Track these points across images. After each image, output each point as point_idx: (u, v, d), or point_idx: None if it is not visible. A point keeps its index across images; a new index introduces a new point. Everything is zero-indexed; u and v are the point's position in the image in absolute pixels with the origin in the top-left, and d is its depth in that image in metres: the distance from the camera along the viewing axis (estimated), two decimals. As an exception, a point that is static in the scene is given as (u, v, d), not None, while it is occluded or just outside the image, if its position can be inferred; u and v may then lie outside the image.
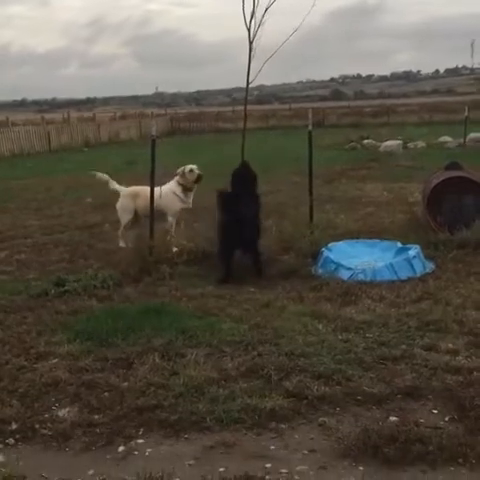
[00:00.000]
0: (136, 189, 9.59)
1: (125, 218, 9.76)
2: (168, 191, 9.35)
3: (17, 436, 4.38)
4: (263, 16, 8.69)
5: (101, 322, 6.21)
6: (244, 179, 8.18)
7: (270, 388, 4.84)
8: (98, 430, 4.39)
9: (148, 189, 8.77)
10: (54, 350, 5.76)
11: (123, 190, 9.91)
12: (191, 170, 9.38)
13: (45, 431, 4.42)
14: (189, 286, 7.58)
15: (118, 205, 9.90)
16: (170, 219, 9.35)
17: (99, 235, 10.93)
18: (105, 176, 10.08)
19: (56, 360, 5.57)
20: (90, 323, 6.26)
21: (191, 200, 9.50)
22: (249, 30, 8.82)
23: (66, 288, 7.52)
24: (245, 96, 9.69)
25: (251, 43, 8.86)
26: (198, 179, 9.38)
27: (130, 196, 9.70)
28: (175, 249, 8.80)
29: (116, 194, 9.99)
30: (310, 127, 9.37)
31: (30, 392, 4.99)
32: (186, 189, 9.39)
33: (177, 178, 9.41)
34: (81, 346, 5.80)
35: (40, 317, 6.72)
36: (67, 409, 4.72)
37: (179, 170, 9.44)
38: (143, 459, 4.07)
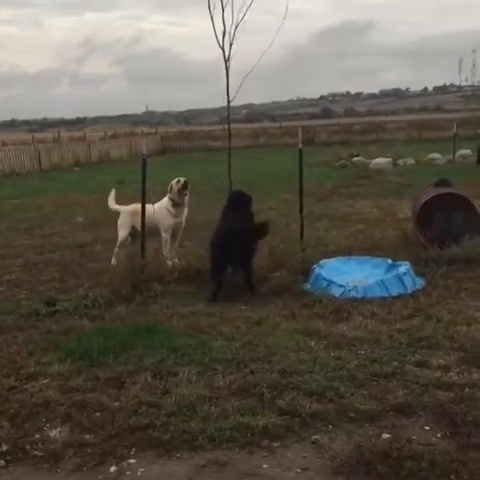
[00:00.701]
0: (135, 207, 9.61)
1: (122, 235, 9.82)
2: (161, 207, 9.41)
3: (8, 457, 4.34)
4: (234, 34, 8.81)
5: (92, 341, 6.18)
6: (239, 199, 8.29)
7: (262, 406, 4.83)
8: (89, 450, 4.37)
9: (148, 206, 8.83)
10: (45, 370, 5.72)
11: (123, 208, 9.98)
12: (178, 181, 9.43)
13: (36, 452, 4.39)
14: (180, 304, 7.57)
15: (119, 222, 10.02)
16: (164, 235, 9.40)
17: (90, 254, 10.91)
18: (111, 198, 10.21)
19: (47, 380, 5.53)
20: (81, 343, 6.23)
21: (184, 216, 9.54)
22: (223, 49, 8.93)
23: (57, 308, 7.49)
24: (227, 114, 9.80)
25: (227, 61, 8.97)
26: (185, 185, 9.40)
27: (129, 213, 9.77)
28: (170, 263, 8.87)
29: (114, 213, 10.12)
30: (300, 145, 9.43)
31: (21, 413, 4.95)
32: (176, 204, 9.41)
33: (168, 194, 9.47)
34: (72, 366, 5.76)
35: (31, 337, 6.68)
36: (58, 429, 4.69)
37: (168, 186, 9.50)
38: (135, 479, 4.05)
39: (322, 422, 4.58)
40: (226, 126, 10.09)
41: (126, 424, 4.66)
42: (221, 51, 8.96)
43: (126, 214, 9.86)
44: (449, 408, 4.69)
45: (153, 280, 8.19)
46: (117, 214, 10.05)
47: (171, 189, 9.46)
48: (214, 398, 5.00)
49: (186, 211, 9.60)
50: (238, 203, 8.30)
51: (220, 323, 6.85)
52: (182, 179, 9.46)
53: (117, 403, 5.04)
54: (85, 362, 5.82)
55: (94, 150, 39.91)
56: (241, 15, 8.79)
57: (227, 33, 8.87)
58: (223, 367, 5.59)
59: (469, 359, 5.59)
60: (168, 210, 9.42)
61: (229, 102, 9.20)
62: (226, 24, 8.84)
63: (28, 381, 5.55)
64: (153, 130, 56.48)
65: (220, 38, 8.92)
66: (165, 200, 9.51)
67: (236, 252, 7.81)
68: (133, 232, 9.73)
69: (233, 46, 8.89)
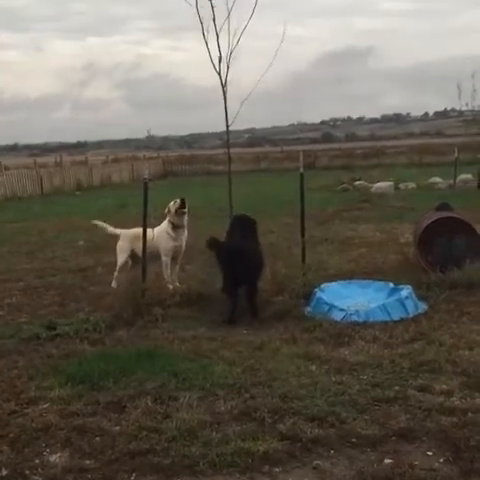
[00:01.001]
0: (135, 231, 9.63)
1: (122, 259, 9.86)
2: (161, 231, 9.43)
3: (7, 482, 4.32)
4: (229, 59, 8.89)
5: (93, 366, 6.16)
6: (243, 223, 8.36)
7: (263, 431, 4.80)
8: (90, 475, 4.34)
9: (147, 231, 8.85)
10: (45, 394, 5.70)
11: (123, 232, 10.01)
12: (175, 202, 9.45)
13: (36, 477, 4.36)
14: (182, 328, 7.55)
15: (117, 246, 10.06)
16: (164, 258, 9.41)
17: (91, 278, 10.91)
18: (103, 224, 10.26)
19: (47, 405, 5.51)
20: (82, 367, 6.21)
21: (184, 239, 9.54)
22: (220, 74, 9.00)
23: (58, 332, 7.48)
24: (227, 139, 9.86)
25: (224, 87, 9.04)
26: (182, 204, 9.41)
27: (129, 238, 9.78)
28: (171, 287, 8.89)
29: (114, 237, 10.20)
30: (301, 169, 9.46)
31: (21, 437, 4.93)
32: (175, 227, 9.43)
33: (168, 217, 9.49)
34: (72, 390, 5.74)
35: (31, 361, 6.67)
36: (58, 454, 4.66)
37: (166, 210, 9.52)
38: (135, 505, 4.02)
39: (324, 447, 4.55)
40: (227, 150, 10.11)
41: (126, 449, 4.63)
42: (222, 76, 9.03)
43: (126, 238, 9.89)
44: (452, 433, 4.66)
45: (154, 304, 8.18)
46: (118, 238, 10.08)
47: (169, 211, 9.48)
48: (215, 423, 4.97)
49: (186, 234, 9.60)
50: (242, 226, 8.35)
51: (221, 347, 6.83)
52: (178, 199, 9.47)
53: (117, 428, 5.01)
54: (86, 386, 5.79)
55: (96, 174, 40.03)
56: (237, 39, 8.85)
57: (223, 58, 8.94)
58: (224, 392, 5.57)
59: (472, 384, 5.56)
60: (168, 233, 9.43)
61: (228, 126, 9.27)
62: (222, 49, 8.92)
63: (28, 405, 5.53)
64: (155, 154, 56.66)
65: (216, 63, 9.00)
66: (164, 224, 9.53)
67: (243, 270, 7.83)
68: (133, 256, 9.75)
69: (229, 71, 8.96)
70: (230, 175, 9.46)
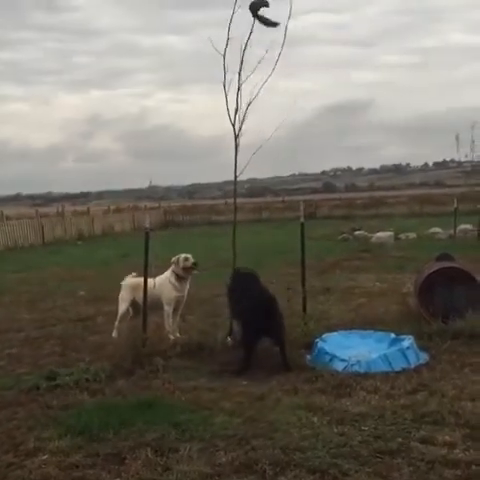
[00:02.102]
0: (136, 280, 9.65)
1: (122, 308, 9.89)
2: (164, 280, 9.45)
3: None
4: (246, 111, 9.00)
5: (92, 417, 6.12)
6: (250, 277, 8.39)
7: (265, 483, 4.74)
8: None
9: (148, 280, 8.87)
10: (44, 446, 5.65)
11: (124, 282, 10.07)
12: (186, 258, 9.48)
13: None
14: (182, 379, 7.50)
15: (119, 296, 10.08)
16: (166, 308, 9.40)
17: (92, 328, 10.89)
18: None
19: (46, 456, 5.46)
20: (81, 418, 6.16)
21: (186, 290, 9.57)
22: (234, 126, 9.12)
23: (57, 382, 7.44)
24: (234, 189, 9.88)
25: (237, 138, 9.15)
26: (195, 265, 9.49)
27: (130, 287, 9.81)
28: (172, 337, 8.87)
29: (116, 286, 10.22)
30: (302, 219, 9.53)
31: (18, 490, 4.87)
32: (180, 278, 9.46)
33: (172, 267, 9.51)
34: (72, 441, 5.69)
35: (30, 412, 6.62)
36: (56, 507, 4.60)
37: (173, 259, 9.55)
38: None
39: (326, 500, 4.50)
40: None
41: (126, 502, 4.57)
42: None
43: (126, 288, 9.92)
44: (455, 486, 4.60)
45: (155, 354, 8.15)
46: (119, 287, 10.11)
47: (177, 263, 9.49)
48: (216, 475, 4.92)
49: (188, 285, 9.63)
50: (248, 280, 8.35)
51: (222, 398, 6.78)
52: (191, 258, 9.52)
53: (117, 480, 4.95)
54: (85, 437, 5.75)
55: (97, 224, 40.21)
56: (248, 91, 8.96)
57: (239, 110, 9.05)
58: (225, 443, 5.52)
59: (475, 435, 5.50)
60: (172, 283, 9.46)
61: (236, 178, 9.33)
62: (232, 101, 9.03)
63: (27, 457, 5.48)
64: (156, 204, 56.94)
65: (231, 115, 9.10)
66: (168, 273, 9.55)
67: (267, 321, 7.80)
68: (134, 305, 9.75)
69: (244, 123, 9.08)
70: (235, 226, 9.45)
